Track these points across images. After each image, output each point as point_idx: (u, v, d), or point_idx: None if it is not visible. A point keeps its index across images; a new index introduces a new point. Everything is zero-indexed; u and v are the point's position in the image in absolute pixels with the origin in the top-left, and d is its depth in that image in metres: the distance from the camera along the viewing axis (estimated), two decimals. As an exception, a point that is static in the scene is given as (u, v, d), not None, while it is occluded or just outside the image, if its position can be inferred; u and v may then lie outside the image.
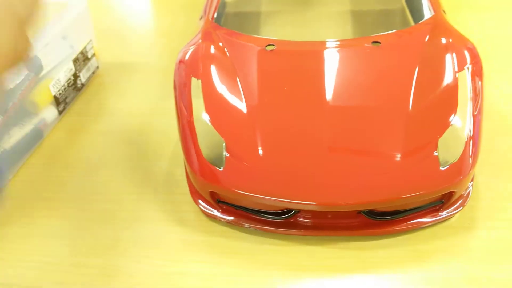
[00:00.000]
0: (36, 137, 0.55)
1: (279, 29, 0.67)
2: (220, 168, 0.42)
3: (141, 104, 0.61)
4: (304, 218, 0.43)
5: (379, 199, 0.39)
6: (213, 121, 0.44)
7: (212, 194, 0.44)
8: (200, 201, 0.46)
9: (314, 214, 0.42)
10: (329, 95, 0.45)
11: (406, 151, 0.41)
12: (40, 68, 0.54)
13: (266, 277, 0.41)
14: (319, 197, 0.39)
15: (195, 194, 0.46)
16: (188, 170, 0.45)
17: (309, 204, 0.39)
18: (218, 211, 0.45)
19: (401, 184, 0.40)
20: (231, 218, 0.44)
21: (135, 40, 0.74)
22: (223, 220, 0.45)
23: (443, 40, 0.48)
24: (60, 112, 0.58)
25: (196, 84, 0.47)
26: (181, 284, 0.41)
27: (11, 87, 0.49)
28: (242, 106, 0.45)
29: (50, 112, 0.57)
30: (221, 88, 0.46)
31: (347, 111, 0.44)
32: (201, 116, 0.45)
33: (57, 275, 0.42)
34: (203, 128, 0.44)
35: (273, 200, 0.40)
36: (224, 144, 0.43)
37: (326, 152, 0.42)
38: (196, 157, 0.43)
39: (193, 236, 0.45)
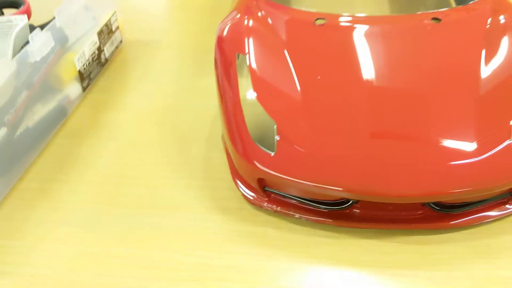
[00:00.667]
0: (60, 115, 0.51)
1: (325, 2, 0.62)
2: (271, 152, 0.39)
3: (167, 82, 0.57)
4: (362, 209, 0.40)
5: (451, 190, 0.36)
6: (262, 101, 0.41)
7: (260, 181, 0.40)
8: (244, 188, 0.42)
9: (373, 205, 0.39)
10: (389, 76, 0.41)
11: (477, 138, 0.38)
12: (65, 39, 0.50)
13: (319, 272, 0.38)
14: (386, 188, 0.36)
15: (239, 180, 0.43)
16: (232, 154, 0.42)
17: (375, 195, 0.36)
18: (265, 199, 0.42)
19: (474, 175, 0.36)
20: (279, 207, 0.41)
21: (159, 15, 0.69)
22: (270, 209, 0.41)
23: (508, 17, 0.45)
24: (84, 89, 0.54)
25: (241, 61, 0.43)
26: (228, 278, 0.38)
27: (37, 59, 0.45)
28: (293, 85, 0.41)
29: (74, 88, 0.53)
30: (270, 65, 0.43)
31: (409, 94, 0.41)
32: (249, 96, 0.41)
33: (93, 266, 0.39)
34: (252, 109, 0.40)
35: (333, 189, 0.37)
36: (275, 127, 0.40)
37: (390, 139, 0.38)
38: (244, 140, 0.40)
39: (237, 226, 0.42)
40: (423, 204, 0.39)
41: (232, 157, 0.42)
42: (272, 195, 0.41)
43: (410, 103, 0.40)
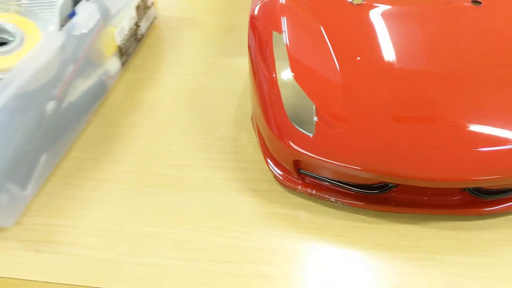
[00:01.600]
0: (100, 91, 0.50)
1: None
2: (310, 134, 0.38)
3: (200, 62, 0.56)
4: (400, 193, 0.39)
5: (494, 175, 0.35)
6: (300, 81, 0.40)
7: (296, 163, 0.40)
8: (277, 169, 0.42)
9: (412, 190, 0.38)
10: (428, 59, 0.41)
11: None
12: (107, 12, 0.48)
13: (356, 257, 0.37)
14: (428, 172, 0.35)
15: (272, 162, 0.42)
16: (267, 136, 0.41)
17: (417, 179, 0.35)
18: (299, 182, 0.41)
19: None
20: (314, 190, 0.40)
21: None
22: (304, 192, 0.41)
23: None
24: (122, 65, 0.53)
25: (278, 40, 0.42)
26: (263, 259, 0.37)
27: (84, 31, 0.44)
28: (332, 66, 0.40)
29: (113, 64, 0.51)
30: (307, 45, 0.42)
31: (450, 76, 0.40)
32: (286, 76, 0.40)
33: (126, 245, 0.38)
34: (289, 90, 0.39)
35: (374, 173, 0.36)
36: (314, 108, 0.39)
37: (433, 122, 0.37)
38: (281, 121, 0.39)
39: (270, 208, 0.41)
40: (462, 190, 0.38)
41: (266, 139, 0.41)
42: (307, 178, 0.41)
43: (451, 87, 0.39)
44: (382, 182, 0.38)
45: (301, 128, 0.38)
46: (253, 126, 0.46)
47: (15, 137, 0.37)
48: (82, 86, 0.45)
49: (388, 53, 0.41)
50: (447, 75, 0.40)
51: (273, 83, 0.40)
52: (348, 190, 0.39)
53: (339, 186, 0.40)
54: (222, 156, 0.45)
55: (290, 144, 0.38)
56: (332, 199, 0.40)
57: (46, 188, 0.43)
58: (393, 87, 0.39)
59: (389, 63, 0.41)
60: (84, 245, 0.38)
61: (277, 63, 0.40)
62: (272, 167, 0.42)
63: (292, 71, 0.40)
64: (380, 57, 0.41)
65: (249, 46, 0.43)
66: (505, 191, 0.38)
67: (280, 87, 0.40)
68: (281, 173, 0.41)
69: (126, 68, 0.55)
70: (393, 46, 0.42)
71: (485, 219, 0.39)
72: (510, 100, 0.38)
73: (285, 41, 0.41)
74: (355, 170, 0.36)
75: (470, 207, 0.38)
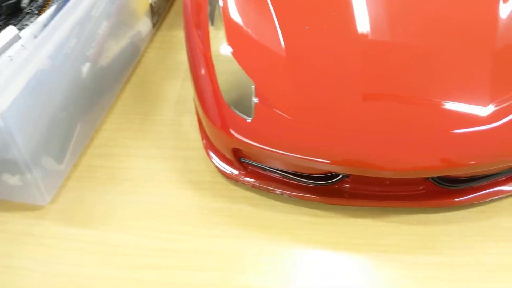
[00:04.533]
0: (133, 54, 0.46)
1: None
2: (248, 118, 0.32)
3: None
4: (354, 184, 0.34)
5: (458, 162, 0.30)
6: (238, 56, 0.34)
7: (236, 151, 0.34)
8: (217, 158, 0.36)
9: (367, 180, 0.33)
10: (388, 29, 0.35)
11: (490, 103, 0.32)
12: None
13: (305, 257, 0.32)
14: (382, 160, 0.30)
15: (211, 150, 0.37)
16: (203, 120, 0.35)
17: (369, 168, 0.30)
18: (241, 172, 0.36)
19: (485, 144, 0.31)
20: (257, 181, 0.35)
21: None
22: (247, 183, 0.35)
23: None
24: (153, 25, 0.49)
25: (214, 8, 0.36)
26: (197, 265, 0.32)
27: None
28: (276, 38, 0.35)
29: (145, 24, 0.47)
30: (248, 14, 0.36)
31: (412, 50, 0.34)
32: (223, 51, 0.34)
33: (33, 250, 0.33)
34: (225, 66, 0.34)
35: (320, 162, 0.31)
36: (253, 87, 0.33)
37: (388, 103, 0.32)
38: (216, 103, 0.33)
39: (209, 202, 0.36)
40: (426, 179, 0.33)
41: (203, 123, 0.36)
42: (249, 168, 0.36)
43: (412, 61, 0.34)
44: (332, 172, 0.33)
45: (239, 111, 0.32)
46: (195, 108, 0.40)
47: (51, 102, 0.34)
48: (115, 49, 0.41)
49: (341, 23, 0.35)
50: (408, 47, 0.34)
51: (208, 58, 0.34)
52: (295, 181, 0.34)
53: (285, 177, 0.34)
54: (159, 144, 0.40)
55: (226, 130, 0.33)
56: (277, 191, 0.35)
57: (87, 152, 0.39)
58: (345, 62, 0.34)
59: (341, 35, 0.35)
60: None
61: (212, 36, 0.35)
62: (212, 156, 0.37)
63: (229, 44, 0.34)
64: (331, 28, 0.35)
65: (184, 14, 0.37)
66: (473, 180, 0.33)
67: (215, 64, 0.34)
68: (222, 163, 0.36)
69: (158, 28, 0.51)
70: (347, 15, 0.35)
71: (452, 211, 0.34)
72: (477, 76, 0.33)
73: (221, 10, 0.35)
74: (298, 159, 0.31)
75: (436, 198, 0.33)
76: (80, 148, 0.39)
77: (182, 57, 0.47)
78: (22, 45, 0.33)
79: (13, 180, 0.33)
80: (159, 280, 0.31)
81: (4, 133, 0.30)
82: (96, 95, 0.40)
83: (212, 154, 0.37)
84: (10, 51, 0.33)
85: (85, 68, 0.37)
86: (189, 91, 0.44)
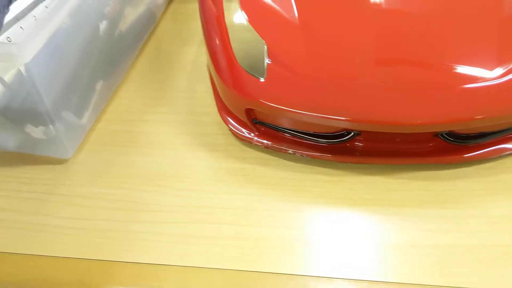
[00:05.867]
0: (149, 20, 0.47)
1: None
2: (260, 78, 0.33)
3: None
4: (364, 142, 0.35)
5: (468, 117, 0.31)
6: (251, 20, 0.35)
7: (248, 112, 0.35)
8: (231, 121, 0.37)
9: (378, 137, 0.34)
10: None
11: (498, 61, 0.32)
12: None
13: (317, 212, 0.33)
14: (393, 115, 0.31)
15: (225, 113, 0.38)
16: (216, 81, 0.36)
17: (381, 124, 0.31)
18: (254, 133, 0.37)
19: (493, 100, 0.31)
20: (270, 142, 0.36)
21: None
22: (260, 144, 0.37)
23: None
24: None
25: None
26: (212, 219, 0.34)
27: None
28: (289, 3, 0.35)
29: None
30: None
31: (422, 13, 0.35)
32: (236, 14, 0.35)
33: (63, 210, 0.35)
34: (238, 28, 0.35)
35: (332, 119, 0.32)
36: (265, 48, 0.34)
37: (398, 60, 0.33)
38: (229, 64, 0.34)
39: (224, 163, 0.37)
40: (435, 135, 0.34)
41: (217, 85, 0.37)
42: (262, 129, 0.37)
43: (422, 23, 0.34)
44: (344, 130, 0.34)
45: (251, 72, 0.34)
46: (208, 74, 0.41)
47: (70, 58, 0.35)
48: (132, 13, 0.42)
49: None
50: (418, 10, 0.35)
51: (221, 21, 0.35)
52: (307, 140, 0.35)
53: (297, 136, 0.35)
54: (175, 109, 0.41)
55: (239, 90, 0.34)
56: (290, 151, 0.36)
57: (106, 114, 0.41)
58: (357, 23, 0.34)
59: (354, 1, 0.36)
60: (11, 210, 0.35)
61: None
62: (226, 118, 0.38)
63: (242, 8, 0.35)
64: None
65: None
66: (481, 136, 0.34)
67: (228, 26, 0.35)
68: (235, 124, 0.37)
69: (171, 1, 0.52)
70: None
71: (460, 167, 0.35)
72: (486, 37, 0.33)
73: (234, -27, 0.36)
74: (311, 117, 0.32)
75: (444, 154, 0.34)
76: (100, 106, 0.41)
77: (196, 27, 0.48)
78: (45, 6, 0.35)
79: (36, 132, 0.35)
80: (179, 233, 0.33)
81: (28, 83, 0.32)
82: (114, 57, 0.42)
83: (225, 117, 0.38)
84: (35, 11, 0.35)
85: (103, 26, 0.38)
86: (203, 59, 0.45)
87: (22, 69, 0.31)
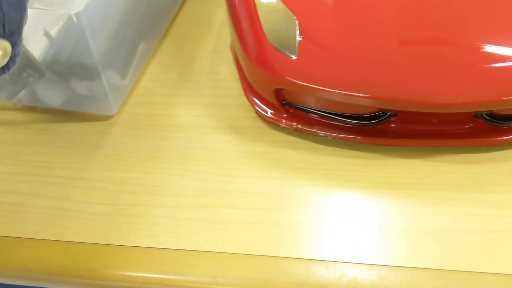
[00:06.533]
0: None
1: None
2: (292, 56, 0.32)
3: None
4: (400, 123, 0.33)
5: (509, 96, 0.30)
6: (280, -5, 0.33)
7: (278, 93, 0.34)
8: (258, 102, 0.36)
9: (414, 118, 0.33)
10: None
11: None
12: None
13: (351, 197, 0.32)
14: (432, 94, 0.29)
15: (251, 95, 0.36)
16: (244, 61, 0.35)
17: (419, 103, 0.29)
18: (283, 115, 0.35)
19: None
20: (300, 124, 0.35)
21: None
22: (289, 127, 0.35)
23: None
24: None
25: None
26: (243, 204, 0.32)
27: None
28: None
29: None
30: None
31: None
32: (264, -11, 0.34)
33: (86, 193, 0.34)
34: (268, 4, 0.33)
35: (368, 98, 0.30)
36: (297, 24, 0.33)
37: (436, 40, 0.31)
38: (258, 42, 0.33)
39: (252, 146, 0.36)
40: (474, 116, 0.32)
41: (244, 65, 0.35)
42: (291, 111, 0.35)
43: (455, 6, 0.33)
44: (379, 110, 0.33)
45: (282, 49, 0.32)
46: (232, 55, 0.40)
47: (117, 13, 0.36)
48: None
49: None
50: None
51: (249, -2, 0.34)
52: (339, 122, 0.34)
53: (329, 118, 0.34)
54: (198, 92, 0.40)
55: (270, 68, 0.32)
56: (321, 134, 0.34)
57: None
58: (390, 6, 0.33)
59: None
60: (32, 194, 0.34)
61: (253, -26, 0.34)
62: (253, 100, 0.36)
63: (271, -18, 0.34)
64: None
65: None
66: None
67: (257, 2, 0.33)
68: (263, 106, 0.36)
69: None
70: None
71: (501, 150, 0.34)
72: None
73: None
74: (346, 96, 0.31)
75: (485, 136, 0.33)
76: (140, 67, 0.41)
77: (217, 12, 0.47)
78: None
79: (82, 88, 0.35)
80: (206, 218, 0.32)
81: (78, 32, 0.33)
82: (153, 20, 0.42)
83: (252, 98, 0.36)
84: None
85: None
86: (225, 41, 0.44)
87: (74, 18, 0.32)
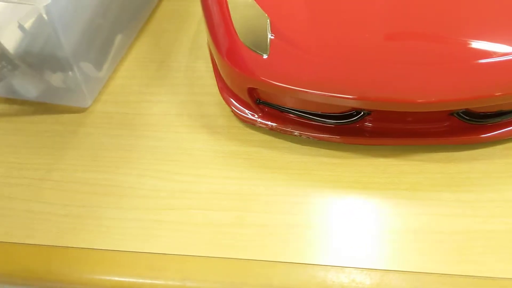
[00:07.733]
0: None
1: None
2: (263, 54, 0.31)
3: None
4: (374, 122, 0.33)
5: (486, 94, 0.29)
6: (252, -8, 0.33)
7: (251, 92, 0.33)
8: (233, 101, 0.35)
9: (389, 117, 0.32)
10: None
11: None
12: None
13: (324, 197, 0.32)
14: (406, 93, 0.29)
15: (227, 93, 0.36)
16: (217, 60, 0.34)
17: (393, 102, 0.29)
18: (258, 114, 0.35)
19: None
20: (275, 123, 0.34)
21: None
22: (264, 126, 0.35)
23: None
24: None
25: None
26: (215, 205, 0.32)
27: None
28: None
29: None
30: None
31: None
32: (236, -14, 0.33)
33: (56, 195, 0.33)
34: (239, 2, 0.33)
35: (341, 97, 0.30)
36: (268, 22, 0.32)
37: (410, 34, 0.31)
38: (229, 41, 0.32)
39: (227, 146, 0.35)
40: (450, 114, 0.32)
41: (218, 64, 0.35)
42: (266, 110, 0.35)
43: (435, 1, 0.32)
44: (352, 110, 0.32)
45: (254, 48, 0.31)
46: (209, 53, 0.39)
47: (89, 5, 0.36)
48: None
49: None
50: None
51: (221, -5, 0.33)
52: (314, 122, 0.33)
53: (303, 117, 0.33)
54: (175, 90, 0.39)
55: (241, 68, 0.32)
56: (296, 133, 0.34)
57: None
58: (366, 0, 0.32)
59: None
60: (5, 197, 0.33)
61: (225, -28, 0.33)
62: (228, 99, 0.36)
63: (243, -21, 0.33)
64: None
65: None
66: (500, 114, 0.32)
67: (228, 0, 0.33)
68: (238, 105, 0.35)
69: None
70: None
71: (478, 148, 0.33)
72: (504, 10, 0.31)
73: None
74: (318, 95, 0.30)
75: (461, 134, 0.32)
76: (117, 60, 0.41)
77: (196, 8, 0.46)
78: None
79: (56, 79, 0.35)
80: (177, 220, 0.31)
81: (48, 26, 0.32)
82: (131, 12, 0.42)
83: (227, 97, 0.36)
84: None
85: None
86: (203, 38, 0.43)
87: (43, 11, 0.31)
